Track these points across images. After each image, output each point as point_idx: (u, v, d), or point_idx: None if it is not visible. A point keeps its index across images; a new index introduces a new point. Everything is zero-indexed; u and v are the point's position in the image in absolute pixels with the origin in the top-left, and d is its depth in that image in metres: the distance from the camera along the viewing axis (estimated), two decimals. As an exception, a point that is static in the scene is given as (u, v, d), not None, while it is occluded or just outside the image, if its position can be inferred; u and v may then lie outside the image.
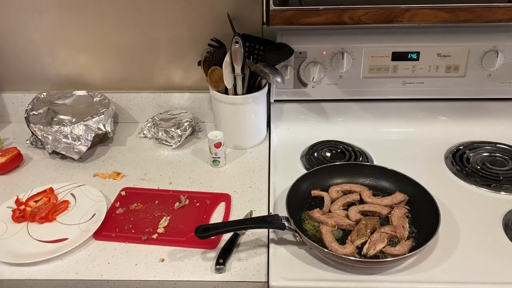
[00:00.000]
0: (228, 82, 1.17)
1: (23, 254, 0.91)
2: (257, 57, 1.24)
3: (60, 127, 1.18)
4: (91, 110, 1.27)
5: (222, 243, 0.92)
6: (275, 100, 1.29)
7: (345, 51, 1.19)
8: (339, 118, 1.30)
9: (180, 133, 1.26)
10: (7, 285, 0.88)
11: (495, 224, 0.95)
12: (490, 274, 0.83)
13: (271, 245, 0.91)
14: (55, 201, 1.05)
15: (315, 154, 1.18)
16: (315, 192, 1.02)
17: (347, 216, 0.95)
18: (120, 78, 1.38)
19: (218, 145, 1.15)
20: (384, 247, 0.86)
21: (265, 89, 1.22)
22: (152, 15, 1.28)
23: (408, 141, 1.24)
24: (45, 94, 1.33)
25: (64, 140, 1.18)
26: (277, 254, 0.88)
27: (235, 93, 1.20)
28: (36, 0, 1.26)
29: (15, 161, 1.19)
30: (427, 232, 0.87)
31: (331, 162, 1.12)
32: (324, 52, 1.20)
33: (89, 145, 1.19)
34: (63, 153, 1.18)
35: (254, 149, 1.26)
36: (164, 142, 1.28)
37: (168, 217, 1.00)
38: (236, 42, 1.11)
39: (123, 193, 1.09)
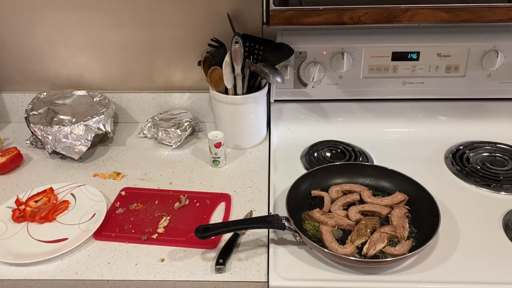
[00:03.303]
0: (228, 82, 1.17)
1: (23, 254, 0.90)
2: (257, 57, 1.24)
3: (60, 127, 1.18)
4: (91, 110, 1.27)
5: (222, 243, 0.92)
6: (275, 100, 1.29)
7: (345, 51, 1.19)
8: (339, 118, 1.30)
9: (180, 133, 1.26)
10: (7, 285, 0.88)
11: (495, 224, 0.95)
12: (490, 274, 0.83)
13: (271, 245, 0.91)
14: (55, 201, 1.05)
15: (315, 154, 1.18)
16: (315, 192, 1.02)
17: (347, 216, 0.95)
18: (120, 78, 1.38)
19: (218, 145, 1.15)
20: (384, 247, 0.86)
21: (265, 89, 1.22)
22: (152, 15, 1.28)
23: (408, 141, 1.24)
24: (45, 94, 1.33)
25: (64, 140, 1.18)
26: (277, 254, 0.89)
27: (235, 93, 1.20)
28: (36, 0, 1.26)
29: (15, 161, 1.19)
30: (427, 232, 0.87)
31: (331, 162, 1.12)
32: (324, 52, 1.20)
33: (89, 145, 1.19)
34: (63, 153, 1.18)
35: (254, 149, 1.26)
36: (164, 142, 1.28)
37: (168, 217, 1.00)
38: (236, 42, 1.11)
39: (123, 193, 1.09)
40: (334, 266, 0.85)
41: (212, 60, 1.22)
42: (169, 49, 1.33)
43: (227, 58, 1.14)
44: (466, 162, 1.14)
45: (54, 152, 1.22)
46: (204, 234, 0.86)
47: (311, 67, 1.20)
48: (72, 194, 1.08)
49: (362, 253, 0.86)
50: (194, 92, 1.38)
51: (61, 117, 1.24)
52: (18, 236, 0.96)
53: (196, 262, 0.89)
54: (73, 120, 1.21)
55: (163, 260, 0.90)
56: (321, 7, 0.96)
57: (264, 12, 0.98)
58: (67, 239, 0.94)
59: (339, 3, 0.96)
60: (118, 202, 1.05)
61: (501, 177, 1.08)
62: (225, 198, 1.06)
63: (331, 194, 1.01)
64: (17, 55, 1.35)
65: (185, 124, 1.29)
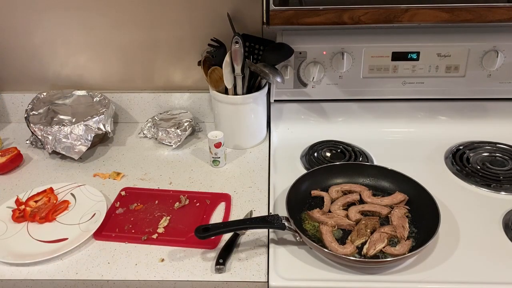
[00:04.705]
0: (228, 82, 1.17)
1: (23, 254, 0.91)
2: (257, 57, 1.24)
3: (60, 127, 1.18)
4: (91, 110, 1.27)
5: (222, 243, 0.92)
6: (275, 100, 1.29)
7: (345, 51, 1.19)
8: (339, 118, 1.30)
9: (180, 133, 1.26)
10: (7, 285, 0.88)
11: (495, 224, 0.95)
12: (490, 274, 0.83)
13: (271, 245, 0.91)
14: (55, 201, 1.05)
15: (315, 154, 1.18)
16: (315, 192, 1.02)
17: (347, 216, 0.95)
18: (120, 78, 1.39)
19: (218, 145, 1.15)
20: (384, 247, 0.86)
21: (265, 89, 1.22)
22: (152, 15, 1.28)
23: (408, 141, 1.24)
24: (45, 94, 1.34)
25: (64, 140, 1.18)
26: (277, 254, 0.89)
27: (235, 93, 1.20)
28: (36, 0, 1.26)
29: (15, 161, 1.19)
30: (427, 232, 0.87)
31: (331, 162, 1.12)
32: (324, 52, 1.20)
33: (89, 145, 1.19)
34: (63, 153, 1.18)
35: (254, 149, 1.26)
36: (164, 142, 1.28)
37: (168, 217, 1.00)
38: (236, 42, 1.11)
39: (123, 193, 1.09)
40: (334, 266, 0.85)
41: (212, 60, 1.22)
42: (169, 49, 1.33)
43: (227, 58, 1.14)
44: (466, 162, 1.14)
45: (54, 152, 1.22)
46: (204, 234, 0.86)
47: (311, 67, 1.20)
48: (72, 194, 1.08)
49: (362, 253, 0.86)
50: (194, 92, 1.38)
51: (61, 117, 1.24)
52: (18, 236, 0.96)
53: (196, 262, 0.89)
54: (73, 120, 1.22)
55: (163, 260, 0.90)
56: (321, 7, 0.96)
57: (264, 12, 0.98)
58: (67, 239, 0.94)
59: (339, 3, 0.96)
60: (118, 202, 1.05)
61: (501, 177, 1.08)
62: (225, 198, 1.06)
63: (331, 194, 1.01)
64: (17, 55, 1.35)
65: (185, 124, 1.29)
